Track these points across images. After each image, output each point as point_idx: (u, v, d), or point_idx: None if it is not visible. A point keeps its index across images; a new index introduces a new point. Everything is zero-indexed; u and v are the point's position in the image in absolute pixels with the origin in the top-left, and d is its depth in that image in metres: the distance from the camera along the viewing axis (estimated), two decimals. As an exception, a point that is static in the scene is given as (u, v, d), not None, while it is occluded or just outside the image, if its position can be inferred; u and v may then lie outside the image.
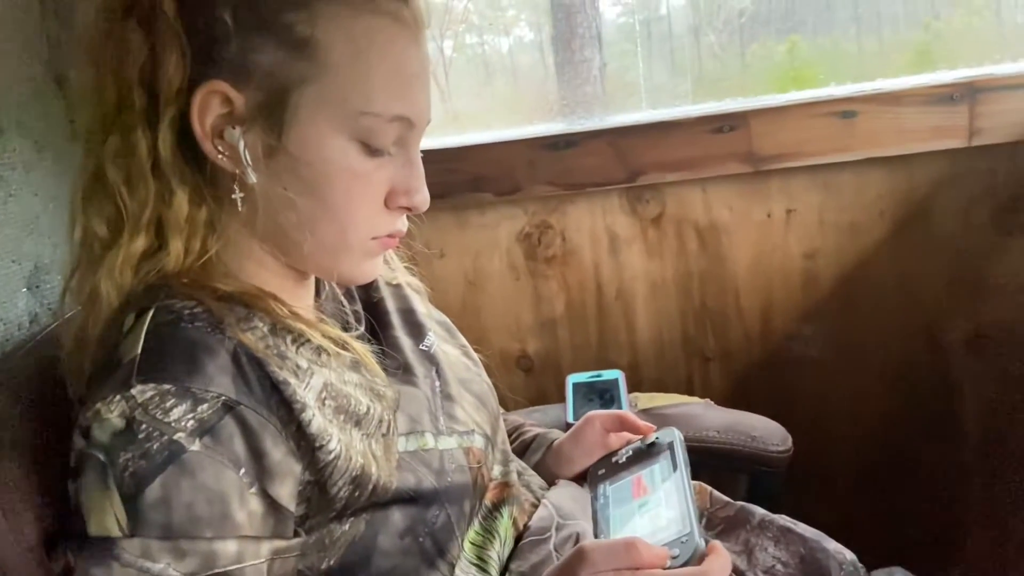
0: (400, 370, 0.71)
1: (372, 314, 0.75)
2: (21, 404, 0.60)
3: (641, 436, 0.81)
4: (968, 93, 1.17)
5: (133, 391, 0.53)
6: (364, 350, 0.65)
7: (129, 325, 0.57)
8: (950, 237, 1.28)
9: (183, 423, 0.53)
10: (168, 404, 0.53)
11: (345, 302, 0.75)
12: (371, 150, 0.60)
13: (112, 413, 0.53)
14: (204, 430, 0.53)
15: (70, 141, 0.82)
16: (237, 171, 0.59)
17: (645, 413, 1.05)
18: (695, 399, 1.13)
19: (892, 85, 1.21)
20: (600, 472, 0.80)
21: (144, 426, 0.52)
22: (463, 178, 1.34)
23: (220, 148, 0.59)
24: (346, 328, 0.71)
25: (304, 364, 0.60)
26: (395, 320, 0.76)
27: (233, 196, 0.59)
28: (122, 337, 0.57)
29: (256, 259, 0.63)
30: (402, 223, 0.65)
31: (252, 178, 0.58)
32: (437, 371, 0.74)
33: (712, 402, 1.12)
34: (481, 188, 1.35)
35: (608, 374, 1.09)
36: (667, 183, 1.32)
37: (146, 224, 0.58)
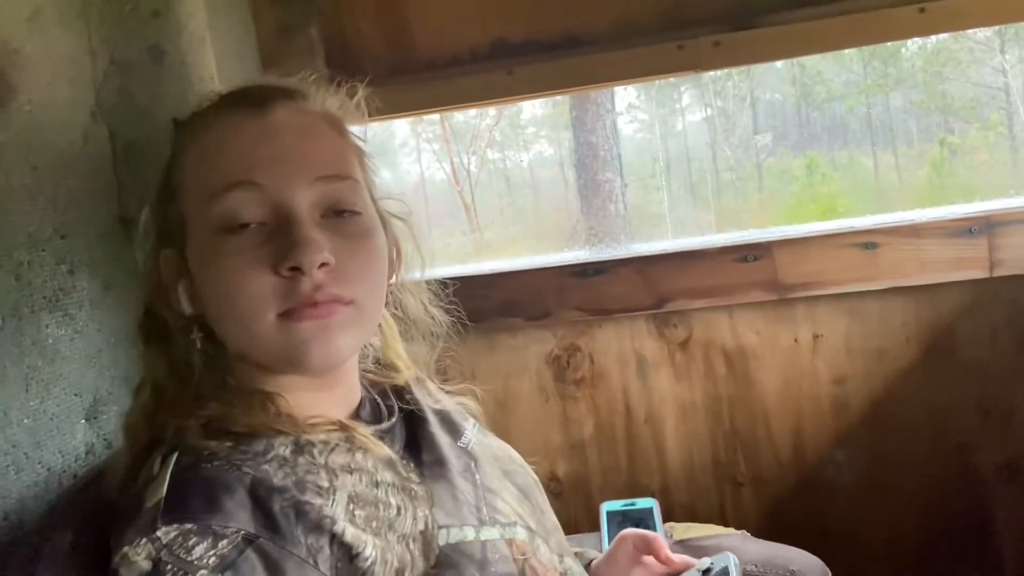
0: (436, 464, 0.71)
1: (407, 413, 0.75)
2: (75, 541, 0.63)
3: (679, 568, 0.81)
4: (986, 226, 1.21)
5: (159, 532, 0.55)
6: (387, 451, 0.67)
7: (156, 469, 0.60)
8: (978, 364, 1.29)
9: (205, 560, 0.55)
10: (191, 543, 0.55)
11: (379, 399, 0.76)
12: (233, 228, 0.63)
13: (139, 556, 0.55)
14: (225, 565, 0.55)
15: (132, 277, 0.87)
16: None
17: (681, 544, 1.04)
18: (731, 530, 1.12)
19: (911, 218, 1.26)
20: None
21: (170, 566, 0.54)
22: (494, 303, 1.39)
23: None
24: (379, 420, 0.72)
25: (326, 483, 0.61)
26: (431, 417, 0.76)
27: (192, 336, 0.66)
28: (149, 480, 0.60)
29: (251, 370, 0.67)
30: (309, 286, 0.61)
31: (188, 309, 0.66)
32: (476, 464, 0.74)
33: (748, 534, 1.11)
34: (512, 313, 1.39)
35: (642, 503, 1.09)
36: (694, 309, 1.36)
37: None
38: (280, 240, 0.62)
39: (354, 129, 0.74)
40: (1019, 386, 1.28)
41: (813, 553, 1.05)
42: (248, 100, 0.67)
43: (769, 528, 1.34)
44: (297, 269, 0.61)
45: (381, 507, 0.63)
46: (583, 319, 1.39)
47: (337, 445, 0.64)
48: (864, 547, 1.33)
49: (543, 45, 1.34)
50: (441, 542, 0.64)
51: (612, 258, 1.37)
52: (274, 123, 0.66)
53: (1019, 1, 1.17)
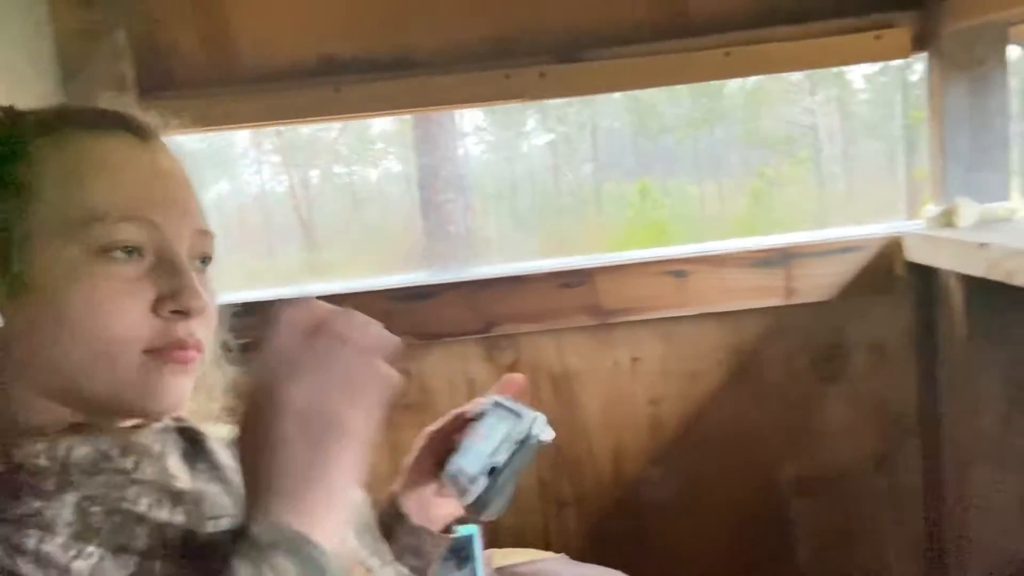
0: (212, 469, 0.68)
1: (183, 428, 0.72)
2: None
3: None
4: (783, 258, 1.31)
5: None
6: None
7: None
8: (777, 385, 1.39)
9: None
10: None
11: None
12: (111, 256, 0.60)
13: None
14: None
15: None
16: None
17: (500, 572, 1.05)
18: (550, 554, 1.14)
19: (716, 248, 1.34)
20: None
21: None
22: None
23: None
24: None
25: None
26: (208, 435, 0.73)
27: None
28: None
29: (46, 405, 0.62)
30: (184, 331, 0.62)
31: None
32: None
33: (567, 557, 1.13)
34: (338, 337, 1.35)
35: (464, 530, 1.08)
36: (522, 333, 1.38)
37: None
38: (164, 281, 0.61)
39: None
40: (813, 406, 1.39)
41: (632, 571, 1.08)
42: (126, 127, 0.65)
43: (592, 549, 1.38)
44: (180, 312, 0.61)
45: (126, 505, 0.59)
46: (412, 344, 1.37)
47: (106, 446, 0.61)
48: (680, 563, 1.39)
49: (373, 64, 1.32)
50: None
51: (441, 282, 1.37)
52: (162, 163, 0.65)
53: (816, 51, 1.28)
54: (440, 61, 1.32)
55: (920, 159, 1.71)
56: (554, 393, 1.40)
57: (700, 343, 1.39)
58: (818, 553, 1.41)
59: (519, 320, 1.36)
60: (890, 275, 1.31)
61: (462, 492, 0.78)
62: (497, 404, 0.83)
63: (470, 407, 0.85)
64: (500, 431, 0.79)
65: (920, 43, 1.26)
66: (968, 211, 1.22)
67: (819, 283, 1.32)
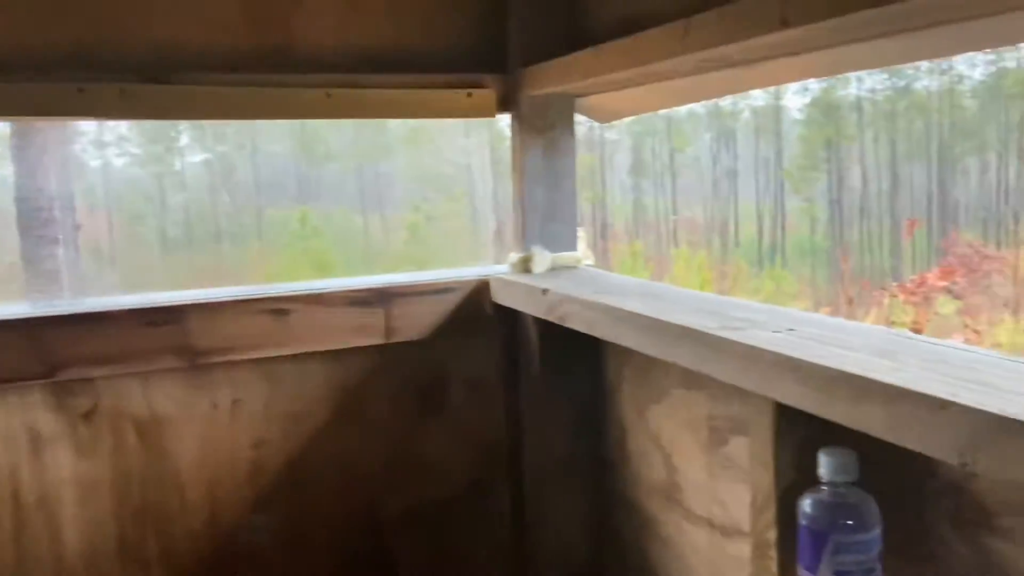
0: None
1: None
2: None
3: None
4: (382, 298, 1.35)
5: None
6: None
7: None
8: (382, 422, 1.41)
9: None
10: None
11: None
12: None
13: None
14: None
15: None
16: None
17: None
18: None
19: (318, 287, 1.34)
20: None
21: None
22: None
23: None
24: None
25: None
26: None
27: None
28: None
29: None
30: None
31: None
32: None
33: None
34: None
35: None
36: (99, 376, 1.23)
37: None
38: None
39: None
40: (415, 441, 1.44)
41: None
42: None
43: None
44: None
45: None
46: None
47: None
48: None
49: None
50: None
51: (-5, 319, 1.18)
52: None
53: (414, 101, 1.34)
54: (9, 67, 1.15)
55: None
56: (140, 442, 1.28)
57: (304, 383, 1.36)
58: (422, 583, 1.45)
59: (95, 362, 1.21)
60: (481, 315, 1.41)
61: None
62: None
63: None
64: None
65: (505, 105, 1.38)
66: (542, 259, 1.37)
67: (418, 322, 1.38)
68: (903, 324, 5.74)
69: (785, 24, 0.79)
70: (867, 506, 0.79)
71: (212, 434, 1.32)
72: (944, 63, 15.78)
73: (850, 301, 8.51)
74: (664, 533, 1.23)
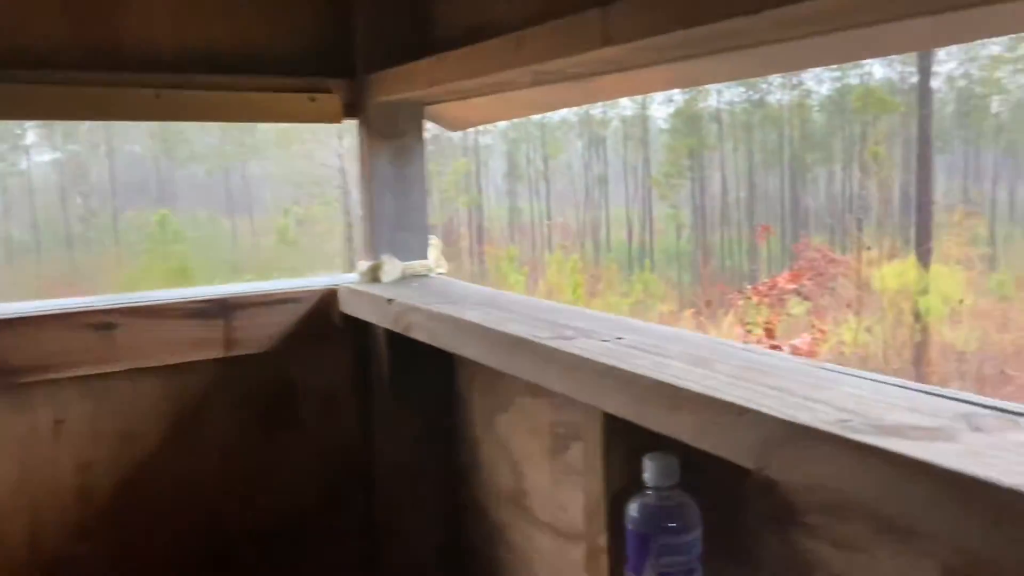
0: None
1: None
2: None
3: None
4: (222, 309, 1.29)
5: None
6: None
7: None
8: (226, 438, 1.35)
9: None
10: None
11: None
12: None
13: None
14: None
15: None
16: None
17: None
18: None
19: (150, 299, 1.26)
20: None
21: None
22: None
23: None
24: None
25: None
26: None
27: None
28: None
29: None
30: None
31: None
32: None
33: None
34: None
35: None
36: None
37: None
38: None
39: None
40: (263, 457, 1.38)
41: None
42: None
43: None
44: None
45: None
46: None
47: None
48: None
49: None
50: None
51: None
52: None
53: (254, 104, 1.29)
54: None
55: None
56: (-56, 470, 1.16)
57: (137, 400, 1.28)
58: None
59: None
60: (330, 325, 1.38)
61: None
62: None
63: None
64: None
65: (352, 111, 1.36)
66: (392, 267, 1.35)
67: (261, 334, 1.33)
68: (756, 324, 6.08)
69: (608, 42, 0.81)
70: (688, 508, 0.82)
71: (32, 458, 1.22)
72: (794, 78, 16.87)
73: (708, 304, 8.94)
74: (512, 540, 1.24)
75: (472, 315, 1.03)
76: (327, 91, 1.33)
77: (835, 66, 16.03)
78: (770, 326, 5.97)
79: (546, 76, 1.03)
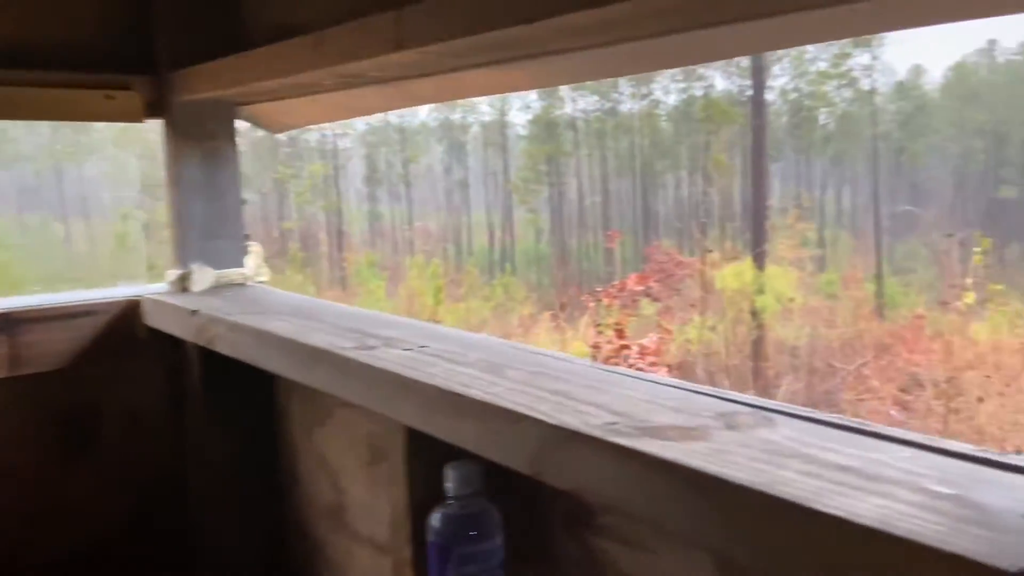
0: None
1: None
2: None
3: None
4: (5, 325, 1.17)
5: None
6: None
7: None
8: (16, 463, 1.23)
9: None
10: None
11: None
12: None
13: None
14: None
15: None
16: None
17: None
18: None
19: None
20: None
21: None
22: None
23: None
24: None
25: None
26: None
27: None
28: None
29: None
30: None
31: None
32: None
33: None
34: None
35: None
36: None
37: None
38: None
39: None
40: (59, 484, 1.27)
41: None
42: None
43: None
44: None
45: None
46: None
47: None
48: None
49: None
50: None
51: None
52: None
53: (47, 102, 1.19)
54: None
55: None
56: None
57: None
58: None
59: None
60: (135, 339, 1.29)
61: None
62: None
63: None
64: None
65: (156, 110, 1.27)
66: (202, 276, 1.28)
67: (53, 350, 1.22)
68: (607, 326, 6.29)
69: (401, 46, 0.80)
70: (489, 515, 0.81)
71: None
72: (643, 88, 17.64)
73: (563, 306, 9.17)
74: (333, 556, 1.20)
75: (277, 325, 0.99)
76: (126, 88, 1.24)
77: (639, 76, 16.88)
78: (620, 327, 6.19)
79: (351, 79, 1.00)
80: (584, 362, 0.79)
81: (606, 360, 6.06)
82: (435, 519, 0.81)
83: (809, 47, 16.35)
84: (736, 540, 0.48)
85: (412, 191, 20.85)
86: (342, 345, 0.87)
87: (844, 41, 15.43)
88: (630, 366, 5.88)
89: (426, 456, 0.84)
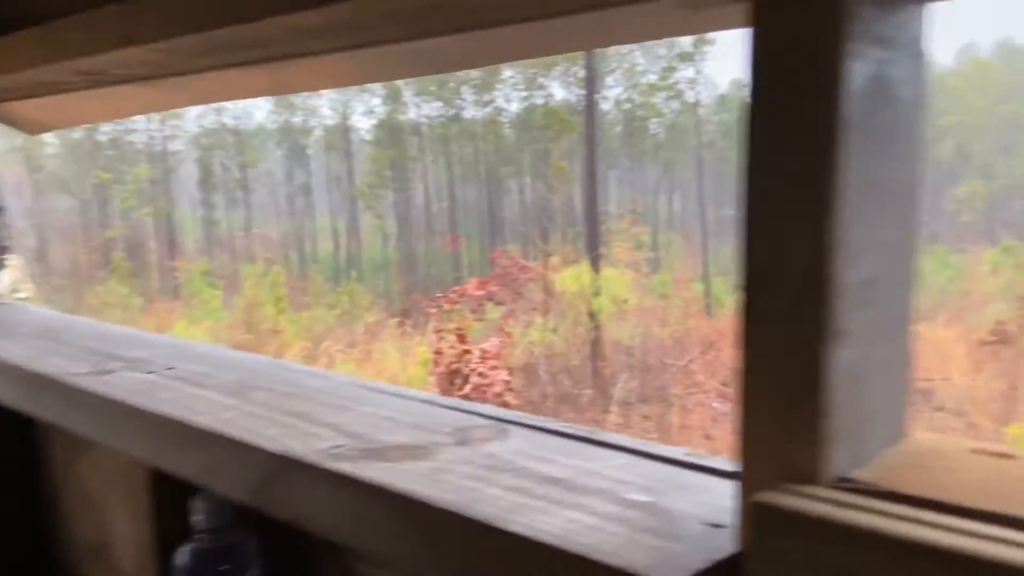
0: None
1: None
2: None
3: None
4: None
5: None
6: None
7: None
8: None
9: None
10: None
11: None
12: None
13: None
14: None
15: None
16: None
17: None
18: None
19: None
20: None
21: None
22: None
23: None
24: None
25: None
26: None
27: None
28: None
29: None
30: None
31: None
32: None
33: None
34: None
35: None
36: None
37: None
38: None
39: None
40: None
41: None
42: None
43: None
44: None
45: None
46: None
47: None
48: None
49: None
50: None
51: None
52: None
53: None
54: None
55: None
56: None
57: None
58: None
59: None
60: None
61: None
62: None
63: None
64: None
65: None
66: (-61, 295, 1.13)
67: None
68: (448, 331, 6.28)
69: (130, 42, 0.73)
70: (244, 548, 0.76)
71: None
72: (485, 96, 17.86)
73: (405, 313, 9.10)
74: (100, 599, 1.09)
75: (10, 350, 0.88)
76: None
77: (498, 85, 17.25)
78: (462, 332, 6.20)
79: (96, 77, 0.91)
80: (344, 379, 0.76)
81: (448, 366, 6.05)
82: (181, 555, 0.75)
83: (640, 60, 17.19)
84: (440, 565, 0.46)
85: (251, 196, 20.01)
86: (74, 371, 0.79)
87: (671, 54, 16.34)
88: (471, 371, 5.90)
89: (174, 488, 0.78)
